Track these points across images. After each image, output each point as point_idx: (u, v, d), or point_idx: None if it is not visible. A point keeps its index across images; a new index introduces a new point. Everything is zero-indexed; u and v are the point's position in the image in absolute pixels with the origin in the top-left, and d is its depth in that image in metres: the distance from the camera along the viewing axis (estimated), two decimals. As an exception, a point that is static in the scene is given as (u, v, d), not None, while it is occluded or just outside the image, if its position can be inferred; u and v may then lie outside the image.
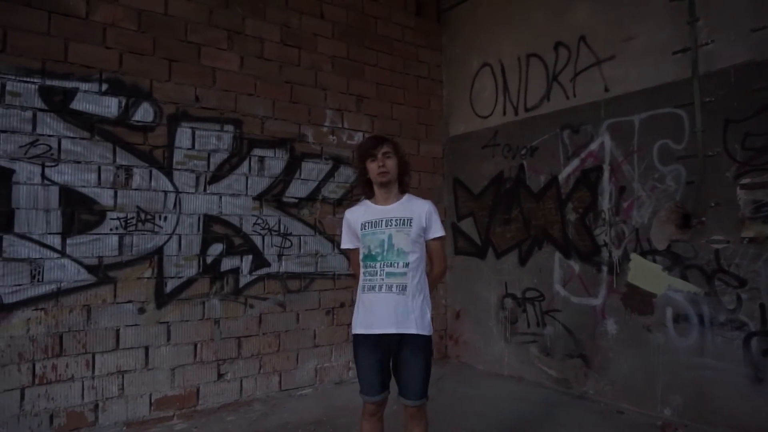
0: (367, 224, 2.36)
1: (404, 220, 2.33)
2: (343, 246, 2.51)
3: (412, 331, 2.27)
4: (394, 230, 2.31)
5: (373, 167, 2.34)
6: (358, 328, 2.36)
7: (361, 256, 2.39)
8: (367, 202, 2.45)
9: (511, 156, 4.55)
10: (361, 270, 2.39)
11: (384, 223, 2.34)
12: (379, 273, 2.30)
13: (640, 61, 3.63)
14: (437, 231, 2.39)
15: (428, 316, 2.34)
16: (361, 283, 2.38)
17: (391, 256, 2.29)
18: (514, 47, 4.55)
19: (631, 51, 3.68)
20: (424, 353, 2.31)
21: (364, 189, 2.47)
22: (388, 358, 2.34)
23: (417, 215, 2.35)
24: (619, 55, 3.76)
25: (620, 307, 3.71)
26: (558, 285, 4.14)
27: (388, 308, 2.28)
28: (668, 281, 3.44)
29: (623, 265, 3.70)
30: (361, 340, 2.35)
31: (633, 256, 3.64)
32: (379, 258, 2.30)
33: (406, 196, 2.43)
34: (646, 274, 3.56)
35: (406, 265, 2.29)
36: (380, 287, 2.29)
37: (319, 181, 4.33)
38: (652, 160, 3.54)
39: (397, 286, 2.28)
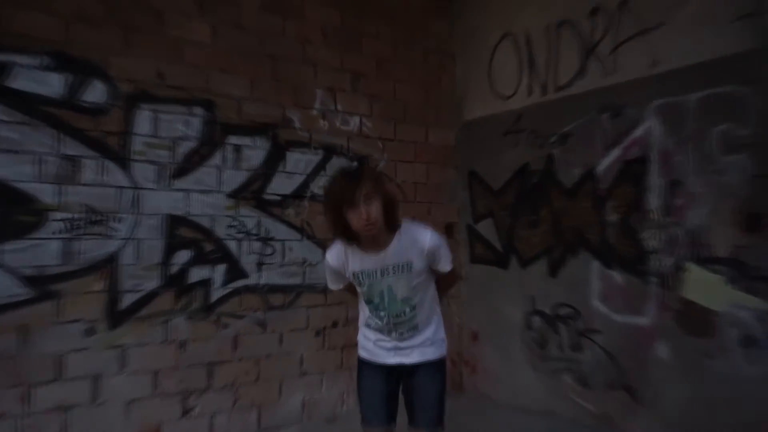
0: (360, 275, 2.32)
1: (402, 266, 2.28)
2: (331, 286, 2.51)
3: (428, 358, 2.37)
4: (392, 279, 2.29)
5: (354, 218, 2.14)
6: (364, 353, 2.46)
7: (361, 295, 2.42)
8: (353, 245, 2.30)
9: (539, 144, 4.52)
10: (364, 306, 2.43)
11: (379, 273, 2.29)
12: (384, 320, 2.36)
13: (695, 29, 3.58)
14: (446, 266, 2.38)
15: (441, 333, 2.44)
16: (366, 313, 2.42)
17: (395, 306, 2.32)
18: (541, 14, 4.53)
19: (685, 17, 3.64)
20: (441, 374, 2.40)
21: (343, 237, 2.28)
22: (398, 385, 2.41)
23: (417, 254, 2.28)
24: (670, 21, 3.71)
25: (673, 328, 3.66)
26: (596, 300, 4.11)
27: (400, 345, 2.38)
28: (732, 296, 3.38)
29: (676, 277, 3.66)
30: (365, 365, 2.45)
31: (688, 265, 3.60)
32: (381, 308, 2.35)
33: (398, 234, 2.28)
34: (704, 287, 3.52)
35: (413, 307, 2.34)
36: (389, 331, 2.37)
37: (307, 174, 4.31)
38: (710, 148, 3.50)
39: (408, 329, 2.36)
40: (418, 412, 2.35)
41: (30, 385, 3.25)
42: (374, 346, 2.41)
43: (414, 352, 2.35)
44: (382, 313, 2.34)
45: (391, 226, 2.26)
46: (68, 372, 3.36)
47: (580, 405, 4.17)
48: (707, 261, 3.50)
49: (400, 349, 2.36)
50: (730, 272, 3.39)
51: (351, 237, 2.25)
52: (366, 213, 2.12)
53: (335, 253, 2.36)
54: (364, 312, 2.44)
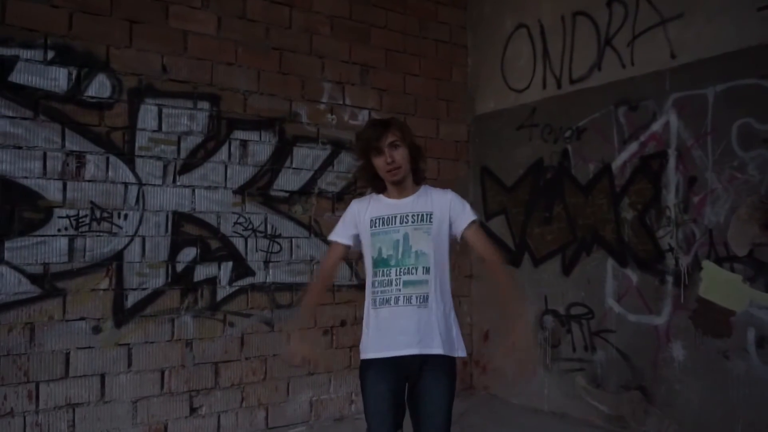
0: (377, 221, 2.36)
1: (423, 215, 2.33)
2: (332, 237, 2.50)
3: (437, 351, 2.28)
4: (410, 228, 2.32)
5: (380, 163, 2.31)
6: (369, 351, 2.35)
7: (369, 263, 2.39)
8: (379, 195, 2.45)
9: (553, 139, 4.53)
10: (369, 281, 2.38)
11: (398, 219, 2.34)
12: (394, 282, 2.31)
13: (715, 20, 3.57)
14: (468, 216, 2.37)
15: (455, 330, 2.37)
16: (370, 296, 2.38)
17: (409, 260, 2.31)
18: (556, 3, 4.52)
19: (705, 7, 3.63)
20: (449, 379, 2.31)
21: (371, 185, 2.45)
22: (404, 389, 2.34)
23: (438, 207, 2.36)
24: (690, 12, 3.71)
25: (689, 328, 3.67)
26: (611, 299, 4.12)
27: (408, 325, 2.29)
28: (751, 295, 3.39)
29: (693, 276, 3.67)
30: (370, 366, 2.34)
31: (706, 263, 3.61)
32: (393, 263, 2.32)
33: (423, 188, 2.43)
34: (722, 286, 3.53)
35: (427, 270, 2.30)
36: (397, 299, 2.30)
37: (314, 170, 4.34)
38: (730, 143, 3.49)
39: (417, 297, 2.29)
40: (424, 419, 2.29)
41: (38, 383, 3.33)
42: (379, 333, 2.32)
43: (422, 340, 2.27)
44: (392, 270, 2.30)
45: (416, 176, 2.41)
46: (75, 370, 3.43)
47: (593, 406, 4.18)
48: (725, 260, 3.50)
49: (405, 334, 2.27)
50: (748, 271, 3.39)
51: (379, 185, 2.40)
52: (391, 157, 2.27)
53: (361, 201, 2.48)
54: (370, 298, 2.38)
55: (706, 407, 3.57)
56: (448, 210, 2.36)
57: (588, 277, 4.26)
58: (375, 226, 2.37)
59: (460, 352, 2.36)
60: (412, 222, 2.33)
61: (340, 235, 2.47)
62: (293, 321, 2.30)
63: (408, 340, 2.28)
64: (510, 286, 2.53)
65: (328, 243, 2.56)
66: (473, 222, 2.38)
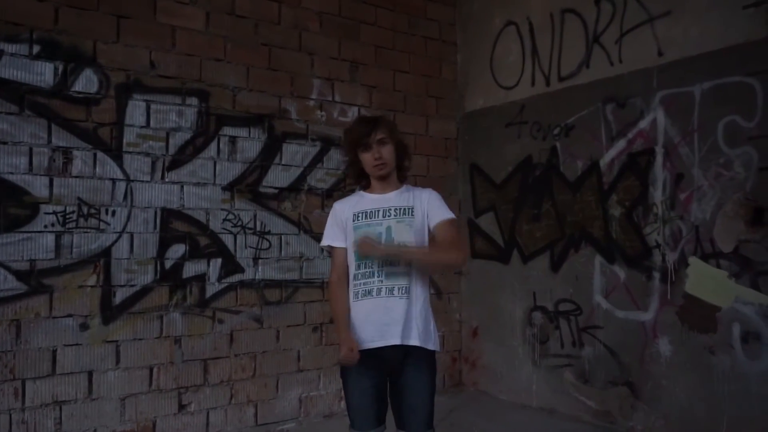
0: (360, 214, 2.43)
1: (405, 209, 2.42)
2: (326, 242, 2.53)
3: (415, 342, 2.33)
4: (393, 221, 2.39)
5: (367, 158, 2.41)
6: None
7: (352, 257, 2.43)
8: (361, 192, 2.54)
9: (542, 136, 4.55)
10: (352, 273, 2.43)
11: (381, 213, 2.42)
12: (376, 274, 2.36)
13: (702, 18, 3.60)
14: (444, 213, 2.42)
15: (432, 324, 2.42)
16: (352, 290, 2.42)
17: None
18: (545, 1, 4.54)
19: (692, 5, 3.65)
20: (431, 372, 2.38)
21: (357, 180, 2.57)
22: (386, 383, 2.38)
23: (419, 202, 2.44)
24: (677, 10, 3.72)
25: (676, 324, 3.70)
26: (599, 296, 4.15)
27: (390, 315, 2.33)
28: (736, 291, 3.42)
29: (680, 272, 3.69)
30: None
31: (692, 260, 3.64)
32: None
33: (405, 186, 2.54)
34: (708, 282, 3.55)
35: (409, 262, 2.36)
36: (379, 291, 2.35)
37: (304, 167, 4.34)
38: (716, 140, 3.52)
39: (399, 289, 2.35)
40: (407, 413, 2.32)
41: (24, 380, 3.32)
42: (361, 324, 2.35)
43: (403, 330, 2.30)
44: (375, 262, 2.35)
45: (401, 173, 2.53)
46: (62, 367, 3.42)
47: (581, 401, 4.21)
48: (711, 256, 3.53)
49: (388, 325, 2.31)
50: (734, 267, 3.42)
51: (365, 179, 2.52)
52: (378, 153, 2.38)
53: (344, 201, 2.55)
54: (352, 291, 2.41)
55: (692, 402, 3.60)
56: (427, 205, 2.43)
57: (576, 274, 4.29)
58: (358, 220, 2.43)
59: (434, 346, 2.40)
60: (395, 215, 2.40)
61: (334, 239, 2.51)
62: (339, 332, 2.36)
63: (391, 330, 2.32)
64: (435, 253, 2.43)
65: (324, 250, 2.57)
66: (449, 219, 2.41)
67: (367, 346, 2.32)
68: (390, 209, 2.41)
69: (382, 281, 2.35)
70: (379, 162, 2.38)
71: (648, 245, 3.85)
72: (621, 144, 4.02)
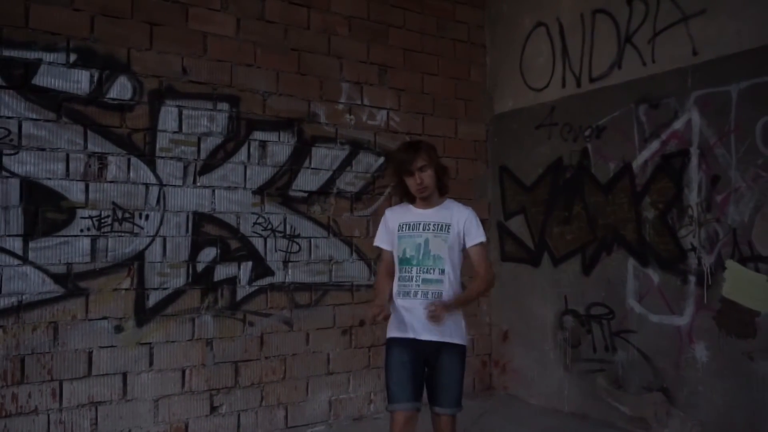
0: (404, 226, 2.84)
1: (442, 225, 2.79)
2: (377, 243, 3.00)
3: (448, 339, 2.74)
4: (431, 235, 2.78)
5: (410, 183, 2.78)
6: (393, 332, 2.81)
7: (396, 260, 2.86)
8: (408, 205, 2.91)
9: (573, 138, 4.52)
10: (396, 274, 2.85)
11: (421, 226, 2.81)
12: (414, 279, 2.76)
13: (739, 15, 3.54)
14: (477, 236, 2.81)
15: (463, 324, 2.84)
16: (395, 288, 2.85)
17: (427, 261, 2.76)
18: (575, 2, 4.51)
19: (728, 3, 3.60)
20: (461, 360, 2.78)
21: (402, 198, 2.93)
22: (423, 365, 2.76)
23: (455, 221, 2.80)
24: (712, 7, 3.67)
25: (713, 328, 3.64)
26: (632, 299, 4.10)
27: (423, 315, 2.66)
28: None
29: (716, 275, 3.64)
30: (394, 342, 2.79)
31: (729, 263, 3.58)
32: (414, 262, 2.78)
33: (447, 201, 2.90)
34: (746, 286, 3.49)
35: (442, 271, 2.75)
36: (415, 293, 2.75)
37: (333, 170, 4.36)
38: (754, 141, 3.46)
39: (432, 294, 2.73)
40: (441, 391, 2.72)
41: (61, 381, 3.39)
42: (401, 319, 2.76)
43: (441, 331, 2.69)
44: (413, 269, 2.76)
45: (442, 191, 2.88)
46: (98, 369, 3.48)
47: (615, 407, 4.15)
48: (749, 259, 3.47)
49: (423, 323, 2.67)
50: (773, 271, 3.36)
51: (409, 197, 2.88)
52: (420, 179, 2.74)
53: (394, 209, 2.98)
54: (395, 289, 2.83)
55: (730, 409, 3.53)
56: (463, 224, 2.80)
57: (608, 277, 4.24)
58: (402, 230, 2.83)
59: (463, 341, 2.80)
60: (433, 230, 2.78)
61: (384, 242, 2.94)
62: (377, 297, 2.84)
63: (423, 328, 2.70)
64: (473, 291, 2.90)
65: (376, 248, 3.05)
66: (481, 243, 2.82)
67: (405, 335, 2.74)
68: (429, 224, 2.79)
69: (419, 285, 2.75)
70: (421, 186, 2.74)
71: (683, 248, 3.80)
72: (654, 145, 3.98)
